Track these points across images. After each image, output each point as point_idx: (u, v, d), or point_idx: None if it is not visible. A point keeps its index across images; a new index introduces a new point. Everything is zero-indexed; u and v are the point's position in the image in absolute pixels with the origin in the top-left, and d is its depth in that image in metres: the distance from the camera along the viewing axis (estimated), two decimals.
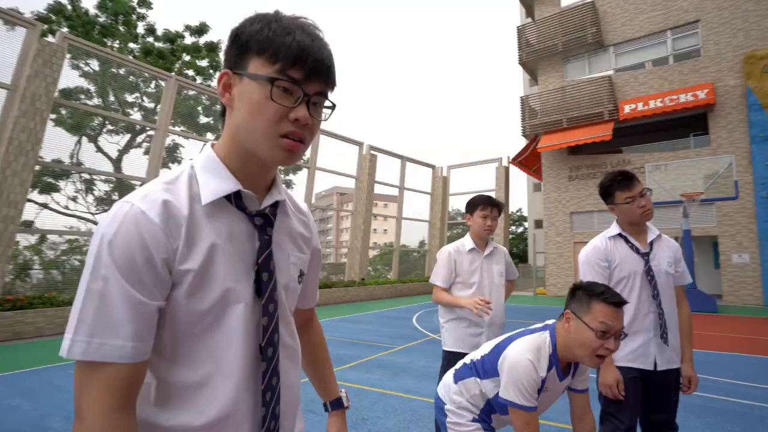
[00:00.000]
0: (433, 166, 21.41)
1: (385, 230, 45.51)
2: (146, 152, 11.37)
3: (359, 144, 16.46)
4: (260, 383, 0.73)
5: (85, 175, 10.59)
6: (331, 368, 1.07)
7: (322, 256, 1.00)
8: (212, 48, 17.21)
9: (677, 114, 14.62)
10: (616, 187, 2.06)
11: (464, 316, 2.47)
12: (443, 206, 21.17)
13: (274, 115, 0.69)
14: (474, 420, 1.59)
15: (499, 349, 1.55)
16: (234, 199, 0.74)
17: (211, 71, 17.42)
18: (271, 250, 0.76)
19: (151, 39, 16.43)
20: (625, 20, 16.22)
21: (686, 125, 14.94)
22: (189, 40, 17.04)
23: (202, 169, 0.74)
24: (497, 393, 1.51)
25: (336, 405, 1.04)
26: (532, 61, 18.06)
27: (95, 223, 10.67)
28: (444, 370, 2.47)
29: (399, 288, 16.30)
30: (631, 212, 2.04)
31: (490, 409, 1.59)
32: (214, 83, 17.62)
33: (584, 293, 1.45)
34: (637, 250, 2.05)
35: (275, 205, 0.80)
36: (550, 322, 1.59)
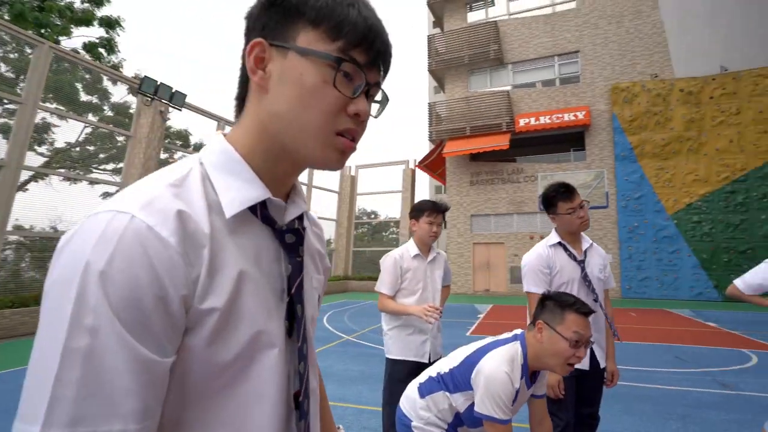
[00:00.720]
0: None
1: None
2: (2, 130, 9.43)
3: None
4: None
5: None
6: (327, 403, 0.92)
7: None
8: (110, 23, 14.81)
9: (562, 130, 16.57)
10: (560, 198, 2.17)
11: (410, 322, 2.42)
12: (351, 205, 21.23)
13: (334, 106, 0.53)
14: None
15: (470, 362, 1.52)
16: (260, 209, 0.56)
17: (101, 50, 14.99)
18: (302, 277, 0.60)
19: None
20: (522, 42, 17.90)
21: (568, 141, 17.00)
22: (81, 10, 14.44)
23: (216, 167, 0.55)
24: (469, 406, 1.48)
25: None
26: (440, 69, 19.01)
27: None
28: (390, 378, 2.40)
29: None
30: (571, 222, 2.17)
31: (458, 423, 1.55)
32: (109, 59, 15.24)
33: (556, 304, 1.48)
34: (574, 258, 2.19)
35: (300, 217, 0.63)
36: (518, 331, 1.60)
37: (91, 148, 12.13)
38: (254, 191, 0.54)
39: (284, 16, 0.53)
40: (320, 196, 19.62)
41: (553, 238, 2.26)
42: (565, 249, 2.21)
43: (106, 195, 11.09)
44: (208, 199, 0.51)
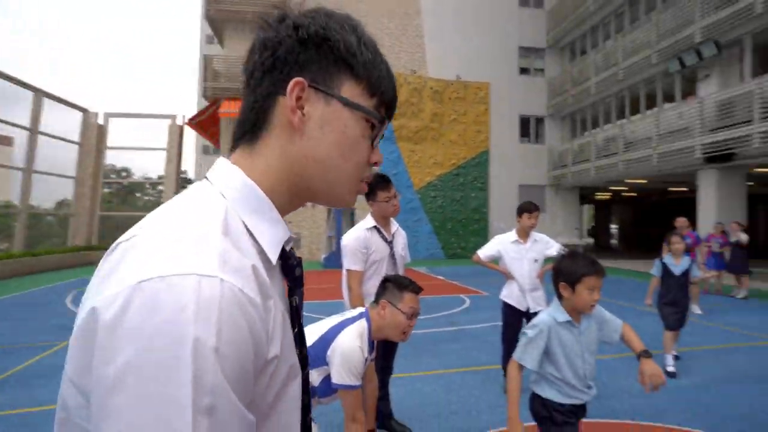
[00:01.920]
0: (85, 110, 17.15)
1: None
2: None
3: None
4: None
5: None
6: None
7: None
8: None
9: None
10: (379, 187, 2.50)
11: None
12: (97, 161, 17.48)
13: (367, 158, 0.58)
14: None
15: (325, 341, 1.66)
16: None
17: None
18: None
19: None
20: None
21: None
22: None
23: (242, 205, 0.52)
24: (323, 379, 1.64)
25: None
26: (221, 20, 17.26)
27: None
28: None
29: (28, 263, 12.42)
30: (386, 209, 2.54)
31: (311, 395, 1.69)
32: None
33: (395, 286, 1.79)
34: (385, 239, 2.59)
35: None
36: (362, 310, 1.84)
37: None
38: (280, 232, 0.55)
39: (329, 63, 0.54)
40: (51, 146, 15.27)
41: (369, 222, 2.59)
42: (379, 232, 2.59)
43: None
44: (254, 244, 0.50)
